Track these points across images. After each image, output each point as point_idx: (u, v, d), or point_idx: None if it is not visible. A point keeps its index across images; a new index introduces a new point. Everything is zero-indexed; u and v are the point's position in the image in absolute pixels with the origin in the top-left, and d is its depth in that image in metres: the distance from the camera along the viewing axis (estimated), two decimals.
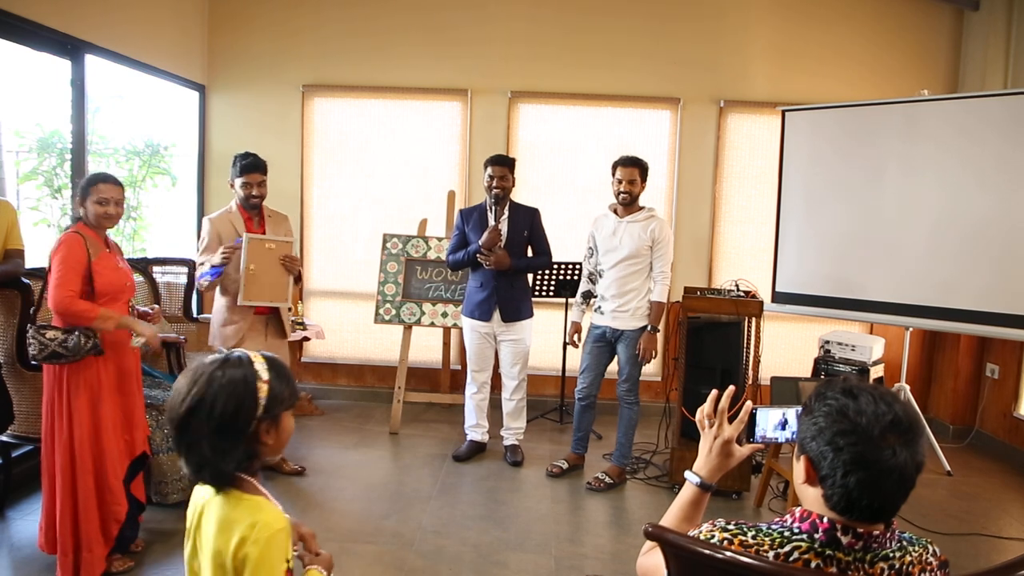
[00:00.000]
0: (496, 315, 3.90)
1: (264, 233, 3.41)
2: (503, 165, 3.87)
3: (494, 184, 3.84)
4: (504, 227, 3.88)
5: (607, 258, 3.71)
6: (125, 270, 2.70)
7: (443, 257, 4.50)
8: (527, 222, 3.96)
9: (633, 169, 3.62)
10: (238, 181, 3.36)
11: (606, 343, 3.75)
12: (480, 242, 3.81)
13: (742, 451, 1.38)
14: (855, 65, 4.96)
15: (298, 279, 3.47)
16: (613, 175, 3.68)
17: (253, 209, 3.42)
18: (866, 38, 4.96)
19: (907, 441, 1.04)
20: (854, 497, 1.04)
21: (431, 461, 4.00)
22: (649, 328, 3.61)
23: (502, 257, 3.81)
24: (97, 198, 2.54)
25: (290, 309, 3.62)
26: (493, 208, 3.89)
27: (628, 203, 3.66)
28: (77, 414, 2.52)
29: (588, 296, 3.86)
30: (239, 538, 1.17)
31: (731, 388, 1.41)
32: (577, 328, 3.90)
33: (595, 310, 3.79)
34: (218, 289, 3.36)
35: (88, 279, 2.51)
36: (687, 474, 1.40)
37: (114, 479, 2.60)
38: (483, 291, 3.90)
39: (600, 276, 3.78)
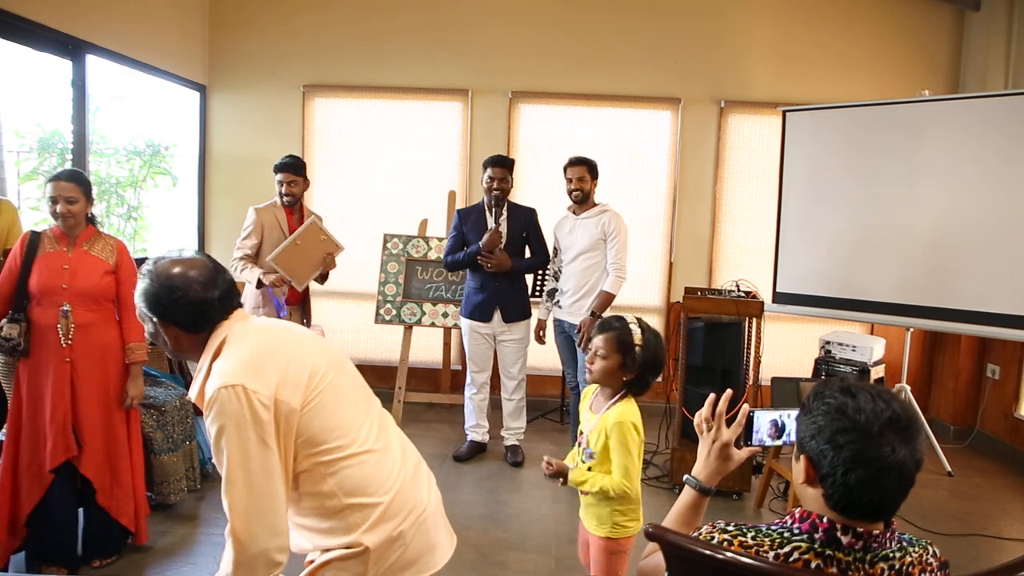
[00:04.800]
0: (496, 316, 3.91)
1: (295, 232, 3.69)
2: (503, 167, 3.87)
3: (494, 186, 3.85)
4: (503, 228, 3.89)
5: (567, 255, 3.88)
6: (73, 272, 2.53)
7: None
8: (525, 223, 3.97)
9: (581, 167, 3.78)
10: (275, 178, 3.72)
11: (567, 335, 3.90)
12: (481, 244, 3.81)
13: (740, 454, 1.38)
14: (856, 66, 4.95)
15: (324, 278, 3.85)
16: (564, 176, 3.84)
17: (289, 205, 3.74)
18: (867, 39, 4.95)
19: (906, 438, 1.04)
20: (854, 495, 1.04)
21: (431, 461, 3.94)
22: (591, 313, 3.71)
23: (503, 259, 3.81)
24: (49, 196, 2.54)
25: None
26: (493, 209, 3.89)
27: (581, 200, 3.82)
28: (9, 407, 2.59)
29: (554, 294, 3.99)
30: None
31: (728, 392, 1.41)
32: (542, 325, 4.05)
33: (555, 303, 3.94)
34: (261, 282, 3.57)
35: (23, 278, 2.50)
36: (686, 478, 1.40)
37: (19, 483, 2.52)
38: (482, 292, 3.90)
39: (561, 273, 3.92)
